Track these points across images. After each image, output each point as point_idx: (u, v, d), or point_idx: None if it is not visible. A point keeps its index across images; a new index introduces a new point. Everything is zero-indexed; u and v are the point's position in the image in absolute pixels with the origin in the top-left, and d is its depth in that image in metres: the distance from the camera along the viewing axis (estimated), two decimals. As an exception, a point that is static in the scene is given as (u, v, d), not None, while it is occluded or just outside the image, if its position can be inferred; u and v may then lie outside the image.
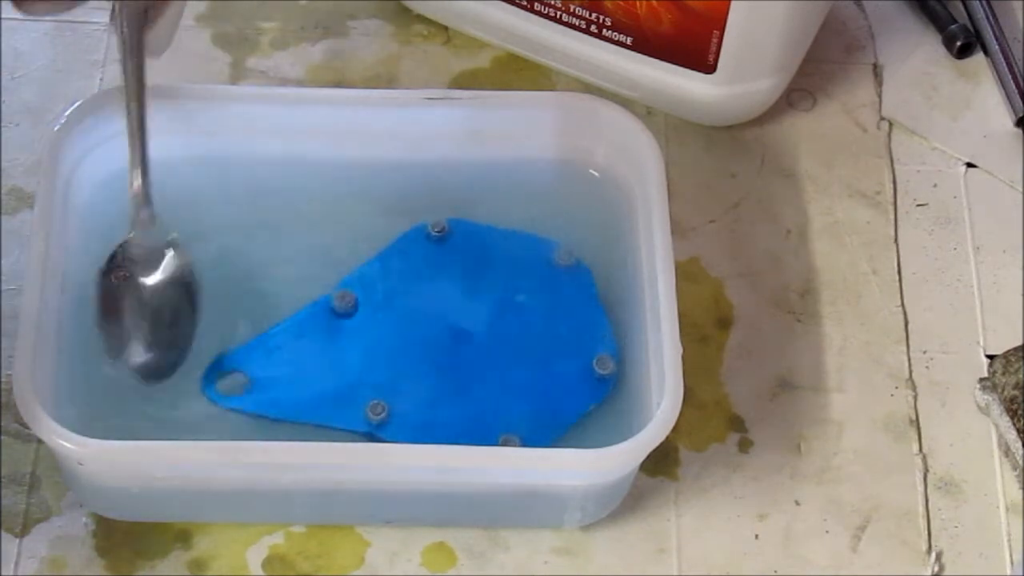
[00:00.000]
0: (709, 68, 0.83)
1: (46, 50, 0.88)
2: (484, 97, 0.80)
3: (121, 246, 0.76)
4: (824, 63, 0.90)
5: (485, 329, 0.78)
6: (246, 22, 0.90)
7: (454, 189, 0.82)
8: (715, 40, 0.82)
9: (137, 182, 0.74)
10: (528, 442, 0.75)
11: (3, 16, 0.89)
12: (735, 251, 0.84)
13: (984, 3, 0.91)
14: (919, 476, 0.78)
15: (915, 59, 0.91)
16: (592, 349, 0.78)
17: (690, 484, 0.77)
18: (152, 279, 0.76)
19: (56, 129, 0.77)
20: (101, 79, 0.87)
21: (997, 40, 0.90)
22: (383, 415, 0.75)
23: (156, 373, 0.75)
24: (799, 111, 0.88)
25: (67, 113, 0.77)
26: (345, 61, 0.89)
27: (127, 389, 0.77)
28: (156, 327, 0.76)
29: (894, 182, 0.86)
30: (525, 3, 0.85)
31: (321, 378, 0.77)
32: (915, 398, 0.80)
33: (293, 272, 0.80)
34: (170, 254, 0.76)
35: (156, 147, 0.79)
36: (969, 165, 0.87)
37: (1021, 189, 0.86)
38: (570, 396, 0.77)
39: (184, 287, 0.76)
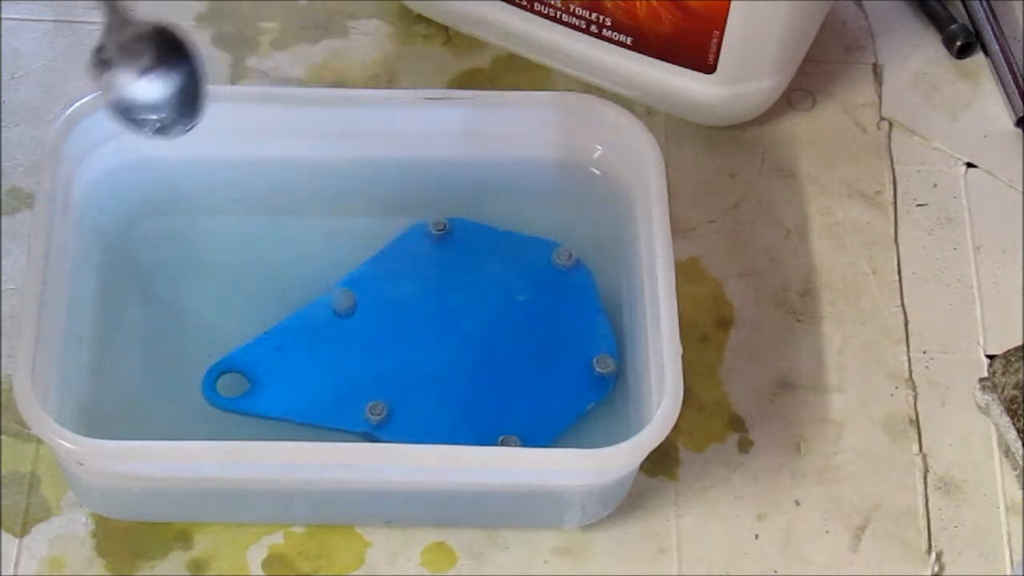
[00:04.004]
0: (709, 68, 0.83)
1: (46, 50, 0.88)
2: (484, 97, 0.80)
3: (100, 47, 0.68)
4: (824, 63, 0.90)
5: (485, 329, 0.78)
6: (246, 22, 0.90)
7: (454, 189, 0.82)
8: (715, 40, 0.82)
9: None
10: (528, 442, 0.75)
11: (3, 16, 0.89)
12: (735, 251, 0.84)
13: (984, 3, 0.91)
14: (919, 476, 0.78)
15: (915, 59, 0.91)
16: (592, 349, 0.78)
17: (690, 484, 0.77)
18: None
19: (56, 129, 0.77)
20: (101, 79, 0.87)
21: (997, 40, 0.90)
22: (383, 415, 0.75)
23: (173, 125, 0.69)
24: (799, 111, 0.88)
25: (67, 113, 0.77)
26: (345, 61, 0.89)
27: (127, 389, 0.77)
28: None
29: (894, 182, 0.86)
30: (525, 3, 0.85)
31: (321, 378, 0.77)
32: (915, 398, 0.80)
33: (293, 272, 0.80)
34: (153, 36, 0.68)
35: (156, 147, 0.79)
36: (969, 165, 0.87)
37: (1021, 189, 0.86)
38: (570, 396, 0.77)
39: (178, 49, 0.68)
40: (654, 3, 0.82)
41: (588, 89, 0.86)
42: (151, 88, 0.67)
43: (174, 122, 0.68)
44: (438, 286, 0.79)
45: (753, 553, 0.76)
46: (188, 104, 0.68)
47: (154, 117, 0.68)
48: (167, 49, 0.68)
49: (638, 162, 0.79)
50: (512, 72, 0.89)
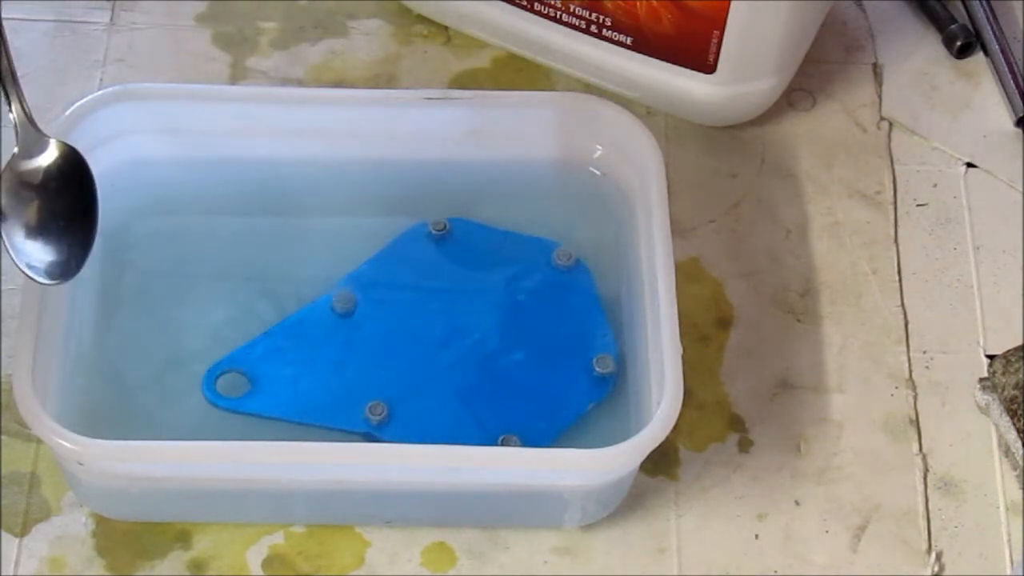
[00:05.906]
0: (709, 68, 0.83)
1: (46, 50, 0.88)
2: (484, 97, 0.80)
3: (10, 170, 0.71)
4: (824, 63, 0.90)
5: (485, 329, 0.78)
6: (246, 22, 0.90)
7: (454, 189, 0.82)
8: (715, 40, 0.82)
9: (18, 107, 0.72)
10: (528, 442, 0.75)
11: (3, 16, 0.89)
12: (735, 251, 0.84)
13: (984, 3, 0.91)
14: (919, 476, 0.78)
15: (915, 59, 0.91)
16: (592, 349, 0.78)
17: (690, 484, 0.77)
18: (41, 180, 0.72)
19: (56, 129, 0.77)
20: (101, 79, 0.87)
21: (997, 40, 0.90)
22: (383, 415, 0.75)
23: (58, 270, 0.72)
24: (799, 111, 0.88)
25: (67, 113, 0.77)
26: (345, 61, 0.89)
27: (127, 389, 0.77)
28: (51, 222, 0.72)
29: (894, 182, 0.86)
30: (525, 3, 0.85)
31: (321, 378, 0.77)
32: (915, 398, 0.80)
33: (293, 272, 0.80)
34: (55, 155, 0.72)
35: (156, 147, 0.80)
36: (969, 165, 0.87)
37: (1021, 189, 0.86)
38: (570, 396, 0.77)
39: (75, 182, 0.72)
40: (654, 3, 0.82)
41: (588, 89, 0.86)
42: (41, 250, 0.70)
43: (67, 269, 0.71)
44: (438, 286, 0.80)
45: (753, 553, 0.76)
46: (81, 247, 0.71)
47: (48, 269, 0.71)
48: (58, 190, 0.71)
49: (638, 162, 0.79)
50: (512, 72, 0.89)
